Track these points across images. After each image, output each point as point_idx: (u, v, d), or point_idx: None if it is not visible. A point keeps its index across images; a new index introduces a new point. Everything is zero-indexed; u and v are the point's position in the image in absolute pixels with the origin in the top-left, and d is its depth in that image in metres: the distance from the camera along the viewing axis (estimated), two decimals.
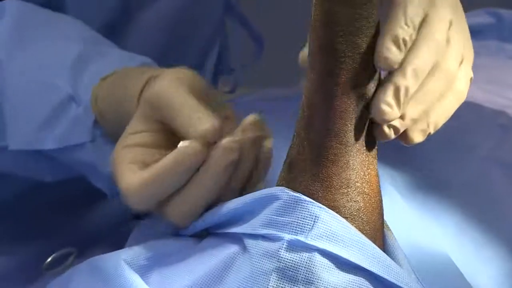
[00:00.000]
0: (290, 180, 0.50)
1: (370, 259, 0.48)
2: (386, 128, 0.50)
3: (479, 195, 0.64)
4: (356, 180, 0.49)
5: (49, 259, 0.71)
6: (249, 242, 0.49)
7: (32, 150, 0.65)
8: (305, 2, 0.69)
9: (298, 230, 0.47)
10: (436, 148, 0.68)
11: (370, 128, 0.50)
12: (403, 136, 0.51)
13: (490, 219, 0.61)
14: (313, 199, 0.48)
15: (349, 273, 0.47)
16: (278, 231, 0.47)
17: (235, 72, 1.00)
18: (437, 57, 0.51)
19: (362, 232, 0.49)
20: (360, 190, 0.49)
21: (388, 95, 0.48)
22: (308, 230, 0.47)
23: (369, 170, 0.50)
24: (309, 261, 0.46)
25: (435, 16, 0.51)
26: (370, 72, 0.49)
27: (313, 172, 0.49)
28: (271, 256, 0.47)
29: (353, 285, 0.47)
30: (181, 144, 0.52)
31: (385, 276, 0.48)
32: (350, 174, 0.49)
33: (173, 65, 0.61)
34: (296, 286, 0.46)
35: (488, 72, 0.90)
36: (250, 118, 0.54)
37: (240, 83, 1.00)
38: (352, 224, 0.49)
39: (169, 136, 0.56)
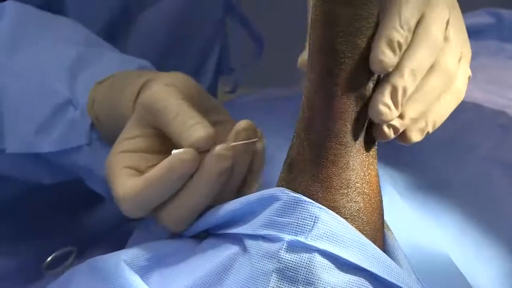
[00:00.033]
0: (290, 180, 0.50)
1: (370, 259, 0.48)
2: (385, 128, 0.50)
3: (479, 195, 0.64)
4: (356, 180, 0.49)
5: (49, 259, 0.71)
6: (249, 243, 0.49)
7: (30, 153, 0.65)
8: (305, 2, 0.69)
9: (298, 231, 0.47)
10: (436, 148, 0.68)
11: (369, 129, 0.50)
12: (402, 135, 0.51)
13: (490, 219, 0.61)
14: (313, 199, 0.48)
15: (349, 274, 0.47)
16: (278, 232, 0.47)
17: (235, 72, 1.00)
18: (435, 56, 0.51)
19: (362, 233, 0.49)
20: (360, 190, 0.49)
21: (386, 96, 0.48)
22: (308, 231, 0.47)
23: (369, 171, 0.50)
24: (309, 261, 0.46)
25: (432, 15, 0.50)
26: (369, 72, 0.48)
27: (313, 173, 0.49)
28: (271, 256, 0.47)
29: (353, 285, 0.47)
30: (175, 151, 0.52)
31: (385, 277, 0.48)
32: (350, 175, 0.49)
33: (172, 67, 0.61)
34: (296, 287, 0.46)
35: (488, 72, 0.90)
36: (242, 122, 0.54)
37: (240, 83, 1.00)
38: (352, 225, 0.49)
39: (164, 141, 0.56)
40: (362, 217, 0.49)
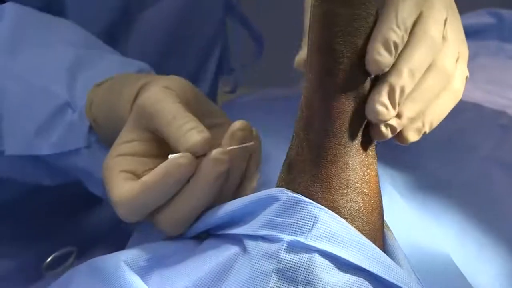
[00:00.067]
0: (290, 181, 0.50)
1: (370, 259, 0.48)
2: (383, 128, 0.50)
3: (480, 195, 0.64)
4: (355, 180, 0.49)
5: (49, 259, 0.71)
6: (249, 243, 0.49)
7: (29, 155, 0.65)
8: None
9: (297, 231, 0.47)
10: (436, 148, 0.68)
11: (368, 128, 0.50)
12: (399, 135, 0.51)
13: (490, 219, 0.61)
14: (313, 200, 0.48)
15: (349, 274, 0.47)
16: (278, 232, 0.47)
17: (235, 72, 1.00)
18: (433, 56, 0.51)
19: (362, 233, 0.49)
20: (360, 190, 0.49)
21: (383, 95, 0.48)
22: (308, 231, 0.47)
23: (368, 171, 0.50)
24: (309, 262, 0.46)
25: (430, 15, 0.50)
26: (368, 71, 0.48)
27: (312, 173, 0.49)
28: (271, 257, 0.47)
29: (353, 285, 0.47)
30: (171, 156, 0.53)
31: (385, 277, 0.47)
32: (349, 175, 0.49)
33: (172, 67, 0.61)
34: (296, 287, 0.46)
35: (488, 72, 0.90)
36: (238, 123, 0.54)
37: (240, 83, 1.00)
38: (352, 225, 0.49)
39: (161, 145, 0.56)
40: (362, 217, 0.49)
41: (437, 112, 0.52)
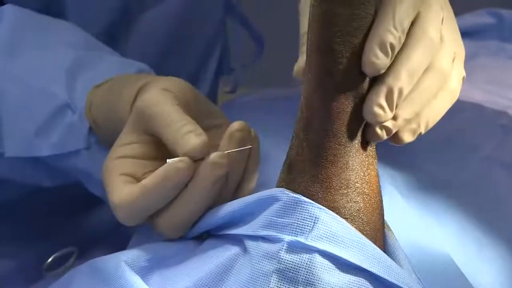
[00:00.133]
0: (290, 181, 0.50)
1: (371, 259, 0.48)
2: (378, 129, 0.49)
3: (480, 195, 0.64)
4: (355, 180, 0.49)
5: (49, 260, 0.71)
6: (249, 244, 0.49)
7: (29, 157, 0.65)
8: None
9: (298, 231, 0.47)
10: (436, 148, 0.68)
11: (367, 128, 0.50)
12: (393, 136, 0.51)
13: (491, 219, 0.61)
14: (313, 200, 0.48)
15: (350, 274, 0.47)
16: (278, 233, 0.47)
17: (235, 72, 1.00)
18: (431, 57, 0.50)
19: (362, 233, 0.49)
20: (360, 190, 0.49)
21: (381, 97, 0.48)
22: (308, 231, 0.47)
23: (368, 171, 0.50)
24: (310, 262, 0.46)
25: (428, 16, 0.50)
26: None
27: (312, 173, 0.49)
28: (271, 257, 0.47)
29: (353, 285, 0.47)
30: (169, 161, 0.53)
31: (386, 277, 0.47)
32: (349, 175, 0.49)
33: (172, 68, 0.61)
34: (297, 287, 0.46)
35: (488, 72, 0.90)
36: (236, 124, 0.54)
37: (240, 83, 1.00)
38: (352, 225, 0.49)
39: (160, 147, 0.56)
40: (362, 217, 0.49)
41: (434, 113, 0.52)
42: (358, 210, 0.49)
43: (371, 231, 0.50)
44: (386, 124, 0.49)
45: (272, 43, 1.03)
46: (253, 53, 1.00)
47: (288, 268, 0.47)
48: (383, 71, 0.48)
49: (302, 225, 0.47)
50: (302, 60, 0.53)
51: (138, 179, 0.55)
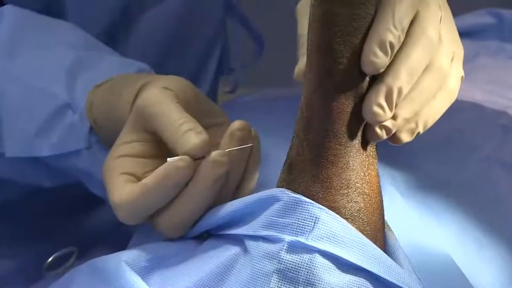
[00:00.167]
0: (290, 181, 0.50)
1: (371, 259, 0.48)
2: (378, 129, 0.49)
3: (480, 194, 0.64)
4: (356, 180, 0.49)
5: (49, 260, 0.71)
6: (249, 244, 0.49)
7: (29, 157, 0.65)
8: None
9: (298, 232, 0.47)
10: (436, 148, 0.68)
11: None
12: (392, 135, 0.50)
13: (491, 218, 0.61)
14: (313, 200, 0.48)
15: (350, 274, 0.47)
16: (279, 233, 0.47)
17: (235, 72, 1.00)
18: (431, 56, 0.50)
19: (363, 233, 0.49)
20: (361, 190, 0.49)
21: (380, 97, 0.48)
22: (309, 231, 0.47)
23: (369, 171, 0.50)
24: (310, 262, 0.46)
25: (427, 15, 0.50)
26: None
27: (313, 173, 0.49)
28: (271, 257, 0.47)
29: (354, 286, 0.47)
30: (170, 159, 0.53)
31: (386, 277, 0.47)
32: (350, 175, 0.49)
33: (172, 68, 0.61)
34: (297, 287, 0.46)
35: (488, 72, 0.90)
36: (236, 123, 0.54)
37: (240, 83, 1.00)
38: (353, 225, 0.49)
39: (160, 145, 0.56)
40: (363, 217, 0.49)
41: (432, 112, 0.52)
42: (358, 210, 0.49)
43: (371, 231, 0.50)
44: (385, 123, 0.49)
45: (272, 43, 1.03)
46: (253, 53, 1.00)
47: (288, 268, 0.47)
48: (382, 70, 0.48)
49: (302, 225, 0.47)
50: (302, 63, 0.53)
51: (138, 178, 0.55)
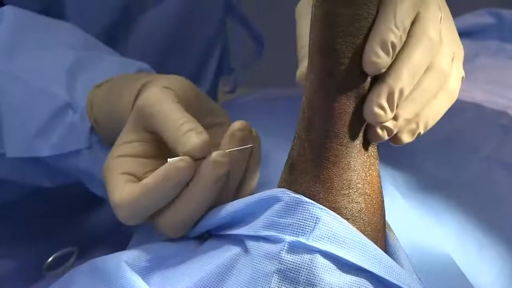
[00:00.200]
0: (291, 181, 0.50)
1: (372, 260, 0.48)
2: (379, 130, 0.49)
3: (481, 195, 0.64)
4: (357, 181, 0.49)
5: (49, 260, 0.71)
6: (250, 244, 0.49)
7: (30, 157, 0.65)
8: None
9: (299, 232, 0.47)
10: (436, 148, 0.68)
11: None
12: (393, 136, 0.50)
13: (491, 219, 0.61)
14: (314, 200, 0.48)
15: (351, 274, 0.47)
16: (280, 233, 0.47)
17: (235, 72, 1.00)
18: (432, 56, 0.50)
19: (364, 233, 0.49)
20: (362, 191, 0.49)
21: (382, 98, 0.48)
22: (310, 232, 0.47)
23: (370, 171, 0.50)
24: (311, 262, 0.46)
25: (428, 15, 0.50)
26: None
27: (314, 174, 0.49)
28: (272, 257, 0.47)
29: (354, 286, 0.47)
30: (170, 160, 0.53)
31: (387, 277, 0.47)
32: (351, 175, 0.49)
33: (172, 68, 0.61)
34: None
35: (488, 72, 0.90)
36: (237, 123, 0.54)
37: (240, 83, 1.00)
38: (354, 225, 0.49)
39: (161, 145, 0.56)
40: (364, 217, 0.49)
41: (433, 113, 0.52)
42: (359, 210, 0.49)
43: (372, 232, 0.50)
44: (386, 124, 0.49)
45: (272, 43, 1.03)
46: (253, 53, 1.00)
47: (289, 269, 0.47)
48: (384, 70, 0.48)
49: (303, 225, 0.47)
50: (303, 65, 0.53)
51: (139, 178, 0.55)
